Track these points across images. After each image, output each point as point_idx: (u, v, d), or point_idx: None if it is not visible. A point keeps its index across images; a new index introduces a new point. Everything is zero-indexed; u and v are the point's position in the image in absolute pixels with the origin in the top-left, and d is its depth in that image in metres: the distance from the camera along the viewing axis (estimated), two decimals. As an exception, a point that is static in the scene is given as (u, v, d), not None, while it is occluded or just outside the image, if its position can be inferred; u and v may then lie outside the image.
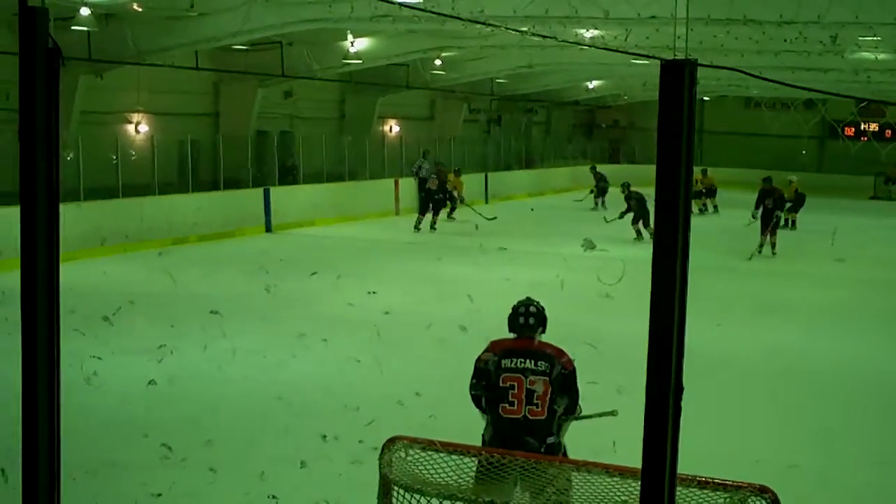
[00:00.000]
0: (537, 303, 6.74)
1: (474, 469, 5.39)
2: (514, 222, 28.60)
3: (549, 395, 6.27)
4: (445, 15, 16.52)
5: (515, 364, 6.34)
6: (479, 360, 6.50)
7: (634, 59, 26.68)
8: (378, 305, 16.20)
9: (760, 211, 23.98)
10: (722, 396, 11.43)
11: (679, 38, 14.72)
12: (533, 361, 6.33)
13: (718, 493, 4.76)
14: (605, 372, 10.67)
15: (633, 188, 26.63)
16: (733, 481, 4.71)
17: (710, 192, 34.45)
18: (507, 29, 18.54)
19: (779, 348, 14.45)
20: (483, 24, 17.69)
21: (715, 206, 34.14)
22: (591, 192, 35.47)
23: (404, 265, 21.36)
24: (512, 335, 6.59)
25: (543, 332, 6.64)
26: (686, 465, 4.57)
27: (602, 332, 14.03)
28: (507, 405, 6.28)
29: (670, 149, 1.96)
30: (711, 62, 22.52)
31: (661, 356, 2.03)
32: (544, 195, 36.06)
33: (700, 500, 4.75)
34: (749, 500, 4.74)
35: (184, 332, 13.99)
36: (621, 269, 16.43)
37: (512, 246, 23.92)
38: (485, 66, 33.92)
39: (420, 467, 5.29)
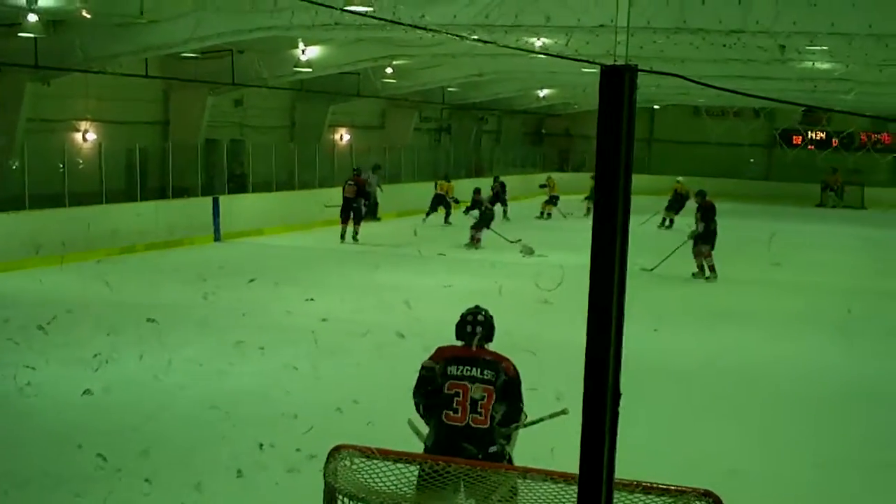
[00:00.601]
0: (485, 311, 6.70)
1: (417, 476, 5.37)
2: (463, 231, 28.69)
3: (492, 404, 6.24)
4: (384, 20, 16.54)
5: (461, 371, 6.31)
6: (423, 366, 6.46)
7: (584, 67, 26.86)
8: (316, 313, 16.12)
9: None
10: (663, 401, 11.54)
11: (619, 43, 14.77)
12: (479, 370, 6.29)
13: (663, 498, 4.77)
14: (544, 378, 10.67)
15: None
16: (676, 486, 4.73)
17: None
18: (448, 35, 18.57)
19: (719, 353, 14.69)
20: (423, 29, 17.68)
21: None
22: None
23: (346, 273, 21.28)
24: (459, 342, 6.54)
25: (490, 340, 6.60)
26: (630, 470, 4.61)
27: (541, 339, 14.09)
28: (450, 412, 6.26)
29: (610, 154, 1.97)
30: (651, 68, 22.68)
31: (599, 362, 2.03)
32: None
33: (646, 504, 4.77)
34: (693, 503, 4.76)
35: (121, 341, 13.83)
36: (560, 275, 16.50)
37: (452, 253, 24.03)
38: (436, 74, 33.95)
39: (365, 476, 5.26)
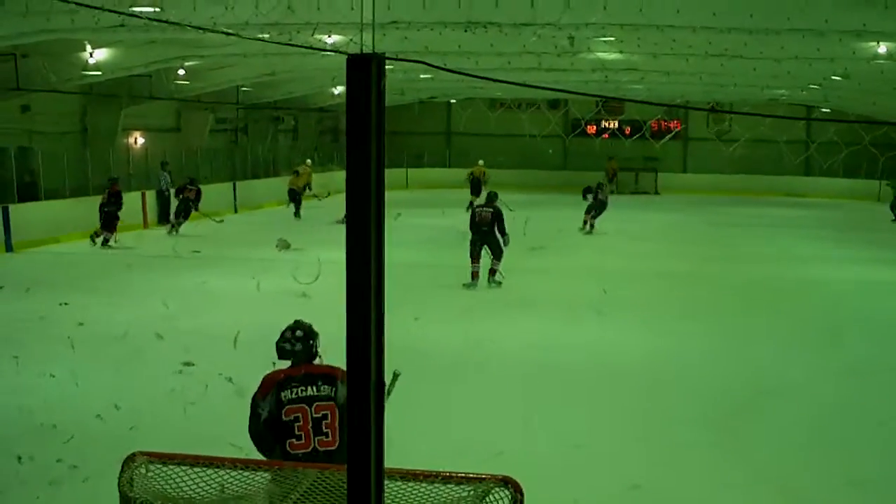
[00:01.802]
0: (304, 323, 6.35)
1: (229, 482, 5.21)
2: (249, 231, 28.64)
3: (338, 421, 5.88)
4: (163, 21, 16.29)
5: (296, 393, 5.93)
6: (254, 399, 6.03)
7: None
8: (72, 317, 15.75)
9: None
10: (464, 392, 11.71)
11: (406, 39, 14.84)
12: (314, 387, 5.92)
13: (463, 486, 4.77)
14: None
15: None
16: (476, 474, 4.74)
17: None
18: (225, 34, 18.35)
19: (523, 342, 14.91)
20: (203, 29, 17.45)
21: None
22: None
23: (115, 276, 20.86)
24: (286, 363, 6.18)
25: (317, 354, 6.23)
26: (429, 461, 4.62)
27: None
28: (293, 440, 5.89)
29: (360, 144, 1.94)
30: (445, 63, 22.97)
31: (360, 354, 2.01)
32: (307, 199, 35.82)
33: (446, 496, 4.76)
34: (493, 491, 4.77)
35: None
36: (317, 268, 16.56)
37: (214, 251, 24.26)
38: (229, 74, 33.57)
39: (163, 483, 5.13)
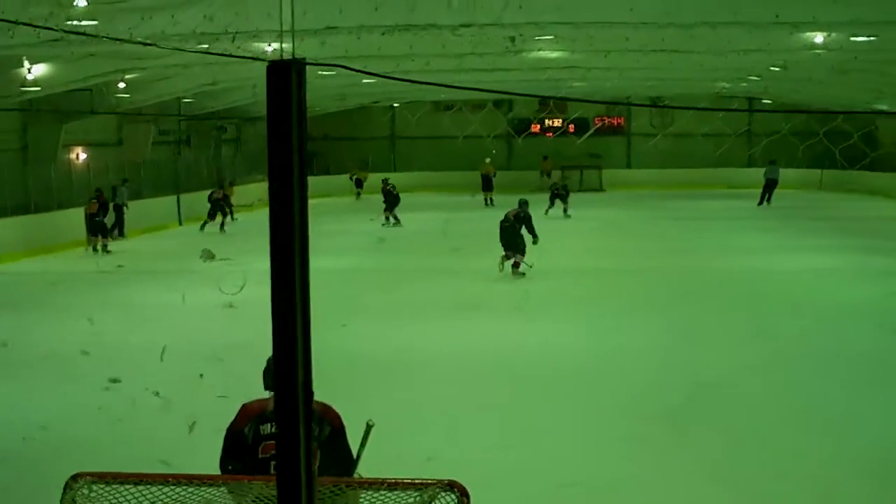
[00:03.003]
0: None
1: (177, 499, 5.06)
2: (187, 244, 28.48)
3: (317, 464, 5.30)
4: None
5: (276, 428, 5.40)
6: (230, 430, 5.65)
7: (320, 70, 26.81)
8: None
9: None
10: (391, 397, 11.65)
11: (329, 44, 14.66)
12: None
13: (409, 492, 4.75)
14: (234, 385, 10.65)
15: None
16: (422, 480, 4.71)
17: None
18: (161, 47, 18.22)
19: (455, 345, 14.93)
20: (139, 43, 17.33)
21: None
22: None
23: (40, 294, 20.62)
24: (268, 394, 5.68)
25: None
26: (374, 468, 4.59)
27: (228, 343, 14.05)
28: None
29: (282, 150, 1.92)
30: (385, 69, 22.95)
31: (287, 362, 1.99)
32: (239, 211, 35.59)
33: (392, 502, 4.74)
34: (439, 495, 4.76)
35: None
36: (243, 279, 16.49)
37: (142, 265, 24.36)
38: (170, 86, 33.28)
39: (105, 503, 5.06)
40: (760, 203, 39.95)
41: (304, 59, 2.03)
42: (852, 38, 22.50)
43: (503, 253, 21.50)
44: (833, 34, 22.12)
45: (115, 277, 22.45)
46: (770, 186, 40.47)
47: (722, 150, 39.53)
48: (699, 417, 11.14)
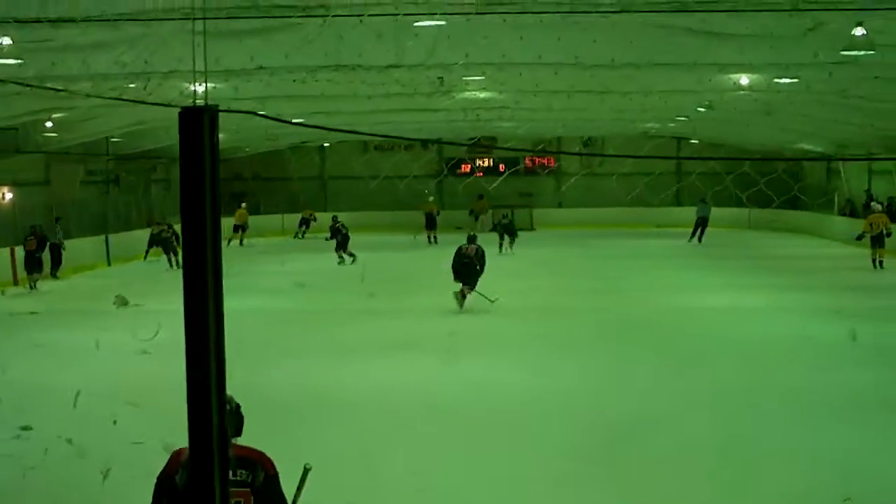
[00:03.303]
0: (228, 397, 5.19)
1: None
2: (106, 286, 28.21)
3: None
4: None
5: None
6: (160, 476, 5.32)
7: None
8: None
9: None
10: (308, 438, 11.55)
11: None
12: (231, 471, 4.97)
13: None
14: (149, 429, 10.55)
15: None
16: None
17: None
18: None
19: (374, 384, 14.90)
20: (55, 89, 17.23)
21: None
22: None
23: None
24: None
25: (239, 434, 5.46)
26: None
27: (144, 389, 13.87)
28: None
29: (194, 195, 1.92)
30: (314, 109, 22.95)
31: (201, 406, 1.98)
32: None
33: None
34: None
35: None
36: (157, 323, 16.36)
37: (56, 306, 23.99)
38: (97, 125, 32.97)
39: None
40: (690, 240, 40.59)
41: (216, 105, 2.03)
42: (776, 80, 22.90)
43: (461, 287, 22.15)
44: (758, 76, 22.51)
45: (27, 320, 22.05)
46: (700, 224, 41.05)
47: (653, 190, 39.95)
48: (629, 455, 11.17)
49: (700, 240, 40.67)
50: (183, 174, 1.95)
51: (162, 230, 34.54)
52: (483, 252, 22.79)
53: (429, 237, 42.60)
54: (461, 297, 22.02)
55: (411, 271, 30.34)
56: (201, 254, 1.97)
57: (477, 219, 46.74)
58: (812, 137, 37.67)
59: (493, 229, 38.84)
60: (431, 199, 44.61)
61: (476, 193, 47.07)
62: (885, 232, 29.72)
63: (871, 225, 30.23)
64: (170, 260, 33.03)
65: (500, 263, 31.55)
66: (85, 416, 12.45)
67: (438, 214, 43.81)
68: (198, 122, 1.97)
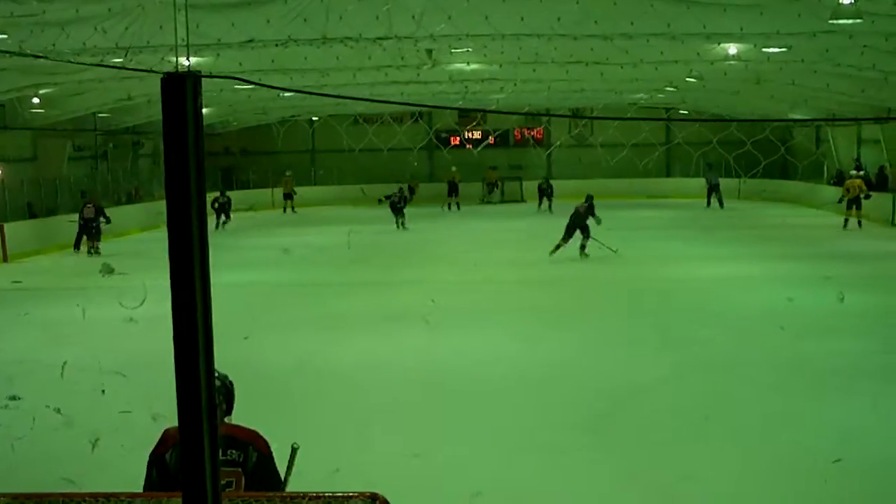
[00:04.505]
0: (222, 375, 5.32)
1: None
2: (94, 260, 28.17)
3: (244, 490, 5.11)
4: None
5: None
6: (151, 455, 5.17)
7: (236, 85, 26.70)
8: None
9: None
10: (295, 409, 11.62)
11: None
12: (221, 451, 4.75)
13: (331, 505, 4.71)
14: (137, 399, 10.53)
15: None
16: (343, 492, 4.66)
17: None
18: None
19: (359, 356, 14.87)
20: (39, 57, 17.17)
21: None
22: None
23: None
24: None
25: (230, 411, 5.37)
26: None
27: (130, 359, 13.93)
28: None
29: (179, 165, 1.90)
30: (306, 83, 22.95)
31: (189, 376, 1.96)
32: (158, 228, 35.30)
33: (316, 517, 4.69)
34: (361, 508, 4.72)
35: None
36: (143, 293, 16.37)
37: (41, 280, 24.13)
38: (85, 101, 32.93)
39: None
40: (708, 206, 43.57)
41: (199, 71, 2.01)
42: (765, 49, 22.87)
43: (563, 239, 26.10)
44: (746, 45, 22.47)
45: (14, 293, 22.07)
46: (714, 189, 43.66)
47: (643, 161, 39.95)
48: (619, 426, 11.22)
49: (721, 204, 43.10)
50: (166, 141, 1.92)
51: (216, 197, 38.53)
52: (594, 207, 27.01)
53: (449, 204, 46.18)
54: (580, 251, 26.06)
55: (402, 244, 30.33)
56: (186, 223, 1.94)
57: (491, 190, 48.10)
58: (801, 107, 37.61)
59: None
60: (454, 168, 47.01)
61: (489, 165, 49.20)
62: (861, 195, 32.55)
63: (847, 189, 33.05)
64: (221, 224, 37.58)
65: (490, 236, 31.66)
66: (73, 386, 12.46)
67: (460, 182, 46.92)
68: (180, 88, 1.95)
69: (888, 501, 8.55)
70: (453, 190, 46.73)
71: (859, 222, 32.56)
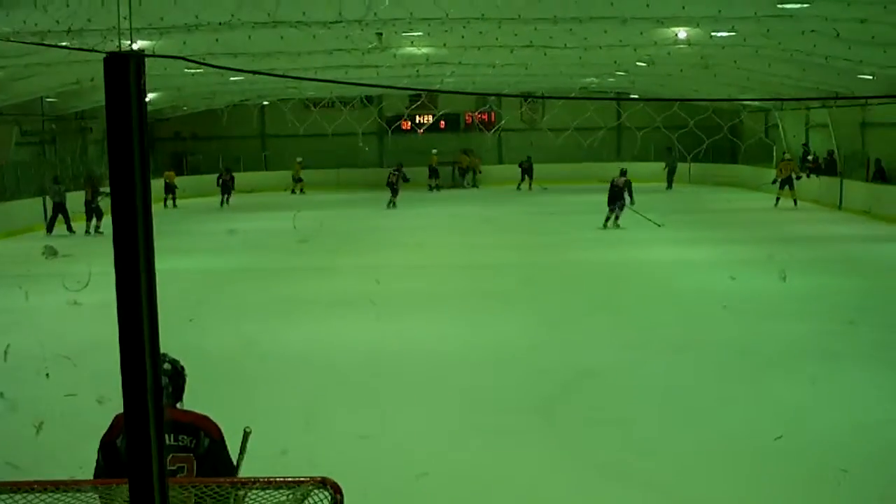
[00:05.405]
0: (171, 358, 5.29)
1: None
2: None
3: (195, 475, 5.04)
4: None
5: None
6: (102, 440, 5.10)
7: (188, 67, 26.50)
8: None
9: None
10: (242, 392, 11.62)
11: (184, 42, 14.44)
12: (172, 436, 5.00)
13: (282, 490, 4.72)
14: (82, 383, 10.45)
15: None
16: (294, 477, 4.67)
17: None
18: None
19: (309, 340, 14.92)
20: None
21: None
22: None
23: None
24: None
25: (181, 396, 5.33)
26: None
27: (75, 342, 13.88)
28: None
29: (122, 146, 1.89)
30: (255, 67, 22.85)
31: (135, 360, 1.97)
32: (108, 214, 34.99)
33: (267, 501, 4.70)
34: (312, 492, 4.73)
35: None
36: (87, 276, 16.29)
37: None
38: (32, 85, 32.48)
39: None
40: (668, 189, 44.99)
41: (142, 51, 2.01)
42: (713, 34, 22.99)
43: (609, 211, 28.93)
44: (695, 29, 22.57)
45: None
46: (672, 172, 45.77)
47: (594, 145, 40.12)
48: (568, 407, 11.29)
49: (669, 186, 45.03)
50: (109, 122, 1.92)
51: (220, 174, 42.24)
52: (630, 183, 29.11)
53: (431, 186, 47.66)
54: (608, 220, 28.90)
55: (355, 229, 30.28)
56: (131, 205, 1.94)
57: (463, 175, 49.34)
58: (750, 91, 37.85)
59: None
60: (435, 152, 48.12)
61: (462, 149, 50.11)
62: (793, 176, 35.25)
63: (780, 170, 35.79)
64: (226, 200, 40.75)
65: (443, 221, 31.67)
66: (16, 370, 12.30)
67: (439, 165, 48.41)
68: (124, 68, 1.94)
69: (826, 475, 8.69)
70: (433, 173, 48.29)
71: (795, 201, 34.80)
